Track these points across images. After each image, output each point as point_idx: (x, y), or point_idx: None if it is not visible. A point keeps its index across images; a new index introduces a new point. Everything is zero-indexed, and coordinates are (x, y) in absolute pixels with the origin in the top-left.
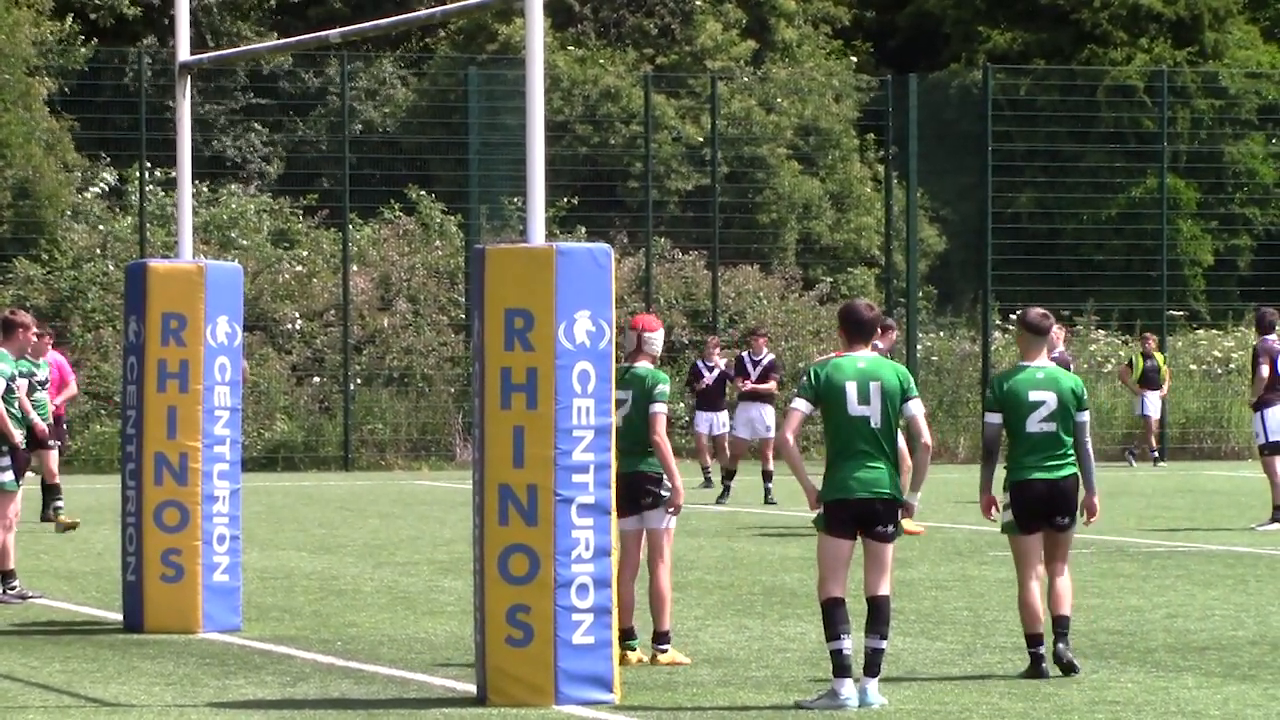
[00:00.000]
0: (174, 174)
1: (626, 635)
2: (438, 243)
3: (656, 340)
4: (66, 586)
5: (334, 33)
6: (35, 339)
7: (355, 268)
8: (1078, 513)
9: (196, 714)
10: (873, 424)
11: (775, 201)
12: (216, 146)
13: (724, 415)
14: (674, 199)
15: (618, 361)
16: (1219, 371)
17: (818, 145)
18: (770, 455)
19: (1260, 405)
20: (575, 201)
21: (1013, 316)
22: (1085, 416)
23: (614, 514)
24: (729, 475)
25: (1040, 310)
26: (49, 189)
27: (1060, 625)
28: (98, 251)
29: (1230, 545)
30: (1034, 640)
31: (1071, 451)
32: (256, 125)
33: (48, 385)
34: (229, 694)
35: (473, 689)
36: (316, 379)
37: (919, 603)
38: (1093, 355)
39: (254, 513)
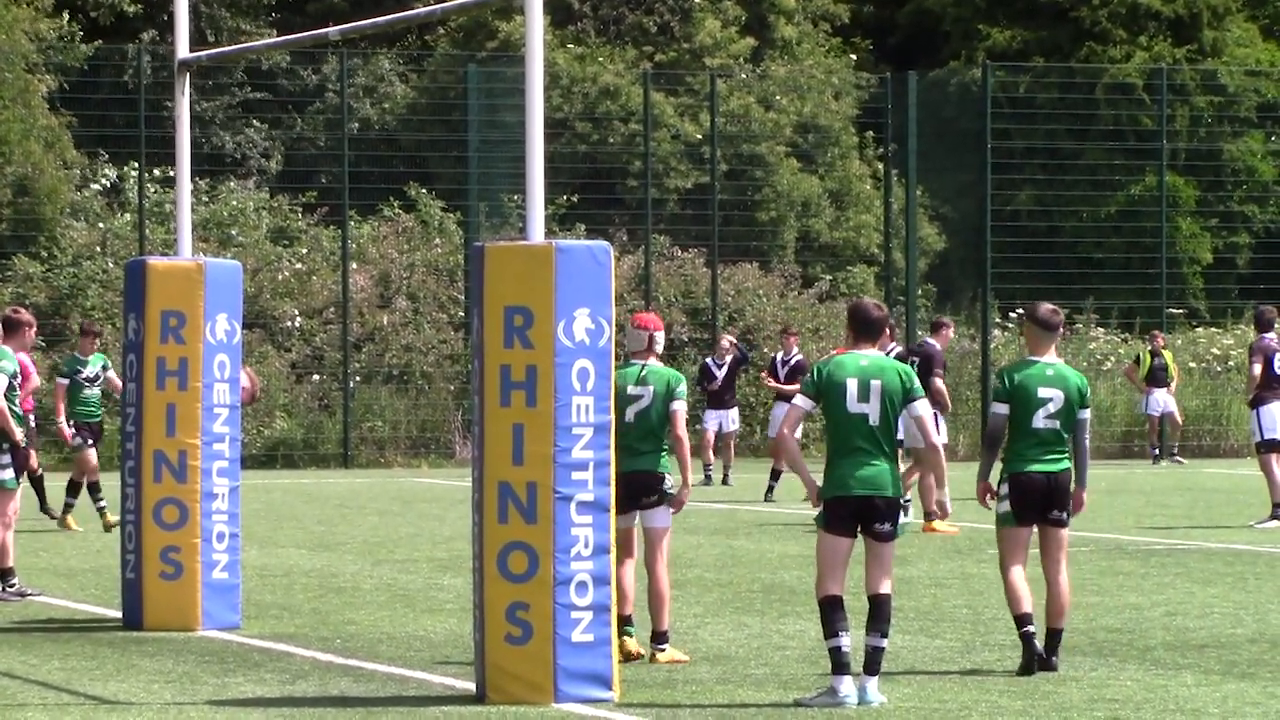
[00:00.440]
0: (173, 171)
1: (624, 622)
2: (437, 240)
3: (662, 338)
4: (65, 584)
5: (333, 30)
6: (87, 338)
7: (355, 265)
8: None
9: (196, 711)
10: (871, 422)
11: (774, 199)
12: (215, 142)
13: (733, 413)
14: (673, 197)
15: (616, 360)
16: (1218, 369)
17: (817, 143)
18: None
19: (1256, 403)
20: (574, 199)
21: (1012, 315)
22: (1086, 414)
23: (613, 511)
24: (775, 476)
25: (1050, 306)
26: (48, 186)
27: (1053, 638)
28: (97, 249)
29: (1229, 543)
30: (1022, 620)
31: (1068, 447)
32: (255, 122)
33: (99, 380)
34: (228, 691)
35: (472, 687)
36: (316, 376)
37: (918, 600)
38: (1092, 353)
39: (253, 510)
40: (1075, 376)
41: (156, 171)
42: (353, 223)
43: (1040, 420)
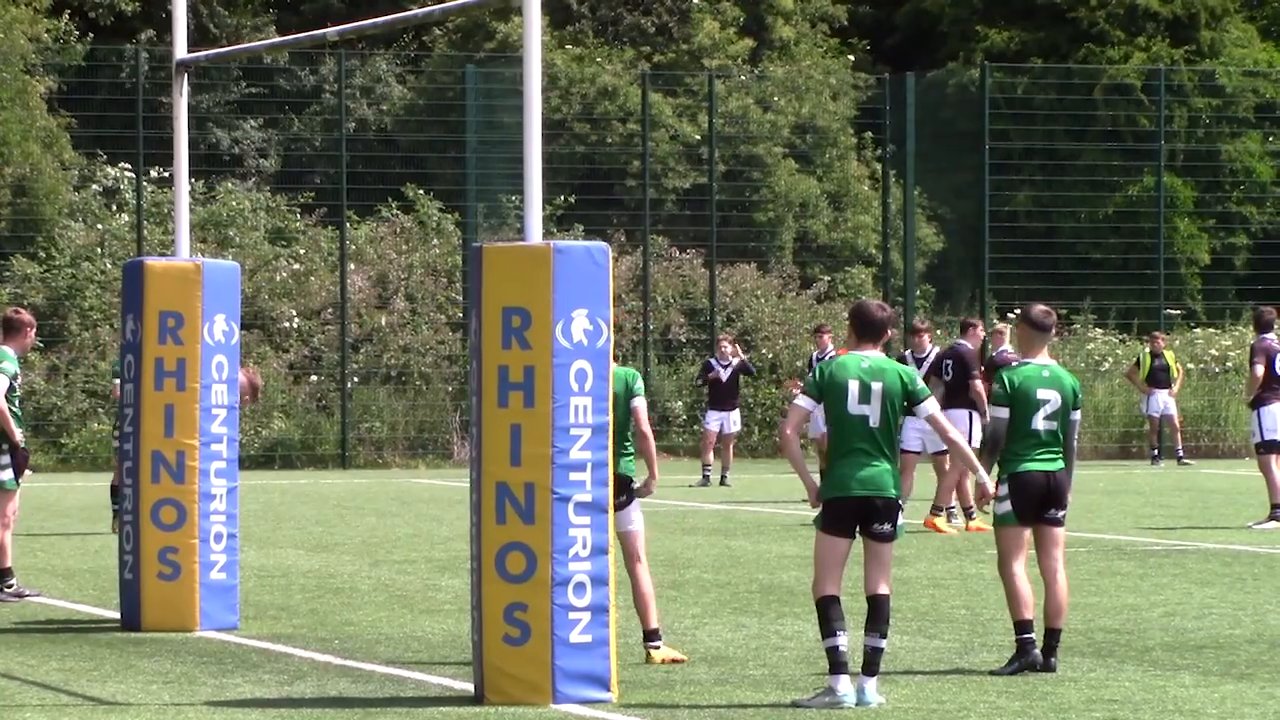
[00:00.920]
0: (170, 171)
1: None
2: (435, 241)
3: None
4: (64, 584)
5: (331, 30)
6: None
7: (353, 266)
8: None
9: (194, 712)
10: (871, 423)
11: (772, 200)
12: (212, 140)
13: (735, 414)
14: (671, 197)
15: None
16: (1216, 370)
17: (815, 144)
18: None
19: (1257, 404)
20: (573, 200)
21: (1010, 315)
22: (1078, 415)
23: (612, 513)
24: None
25: (1043, 307)
26: (46, 187)
27: (1052, 638)
28: (96, 249)
29: (1227, 544)
30: (1022, 626)
31: (1062, 447)
32: (252, 121)
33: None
34: (226, 692)
35: (470, 687)
36: (314, 377)
37: (916, 601)
38: (1090, 354)
39: (251, 511)
40: (1069, 377)
41: (154, 172)
42: (350, 223)
43: (1039, 421)
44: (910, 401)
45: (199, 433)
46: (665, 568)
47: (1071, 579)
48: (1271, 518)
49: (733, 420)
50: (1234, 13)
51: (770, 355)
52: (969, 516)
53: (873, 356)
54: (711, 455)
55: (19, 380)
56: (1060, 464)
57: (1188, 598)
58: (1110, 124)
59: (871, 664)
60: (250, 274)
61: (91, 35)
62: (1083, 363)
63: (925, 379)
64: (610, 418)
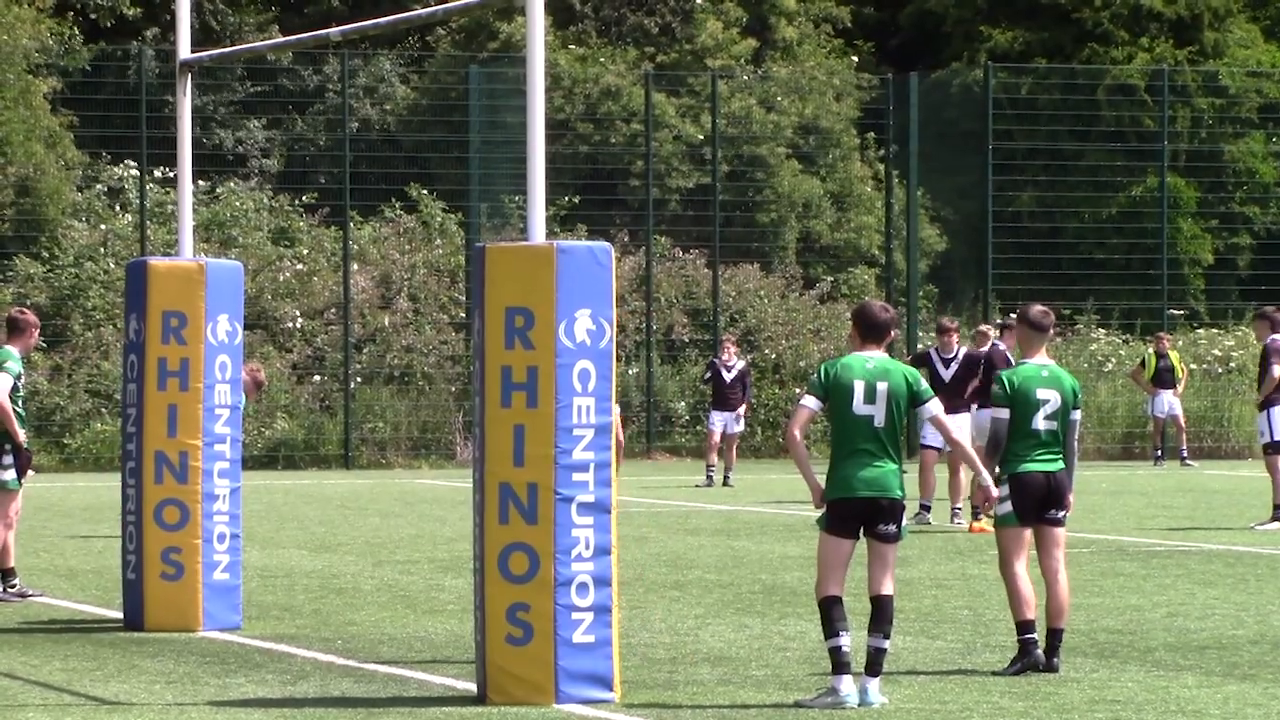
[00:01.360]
0: (174, 172)
1: None
2: (438, 241)
3: None
4: (67, 585)
5: (335, 31)
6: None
7: (356, 266)
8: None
9: (197, 712)
10: (875, 424)
11: (775, 200)
12: (216, 140)
13: (738, 415)
14: (674, 198)
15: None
16: (1219, 371)
17: (818, 144)
18: None
19: (1267, 404)
20: (576, 200)
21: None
22: (1078, 415)
23: (615, 513)
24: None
25: (1041, 307)
26: (50, 187)
27: (1054, 639)
28: (99, 249)
29: (1230, 544)
30: (1024, 627)
31: (1062, 447)
32: (255, 121)
33: None
34: (229, 692)
35: (473, 687)
36: (317, 377)
37: (919, 601)
38: (1093, 354)
39: (254, 511)
40: (1068, 377)
41: (157, 172)
42: (354, 223)
43: (1040, 422)
44: (914, 402)
45: (202, 433)
46: (668, 568)
47: (1074, 579)
48: (1275, 518)
49: (735, 421)
50: (1237, 13)
51: (774, 356)
52: (975, 517)
53: (877, 357)
54: (715, 456)
55: (23, 380)
56: (1060, 464)
57: (1191, 598)
58: (1114, 124)
59: (874, 664)
60: (253, 274)
61: (93, 38)
62: (1086, 363)
63: (960, 379)
64: (613, 418)
